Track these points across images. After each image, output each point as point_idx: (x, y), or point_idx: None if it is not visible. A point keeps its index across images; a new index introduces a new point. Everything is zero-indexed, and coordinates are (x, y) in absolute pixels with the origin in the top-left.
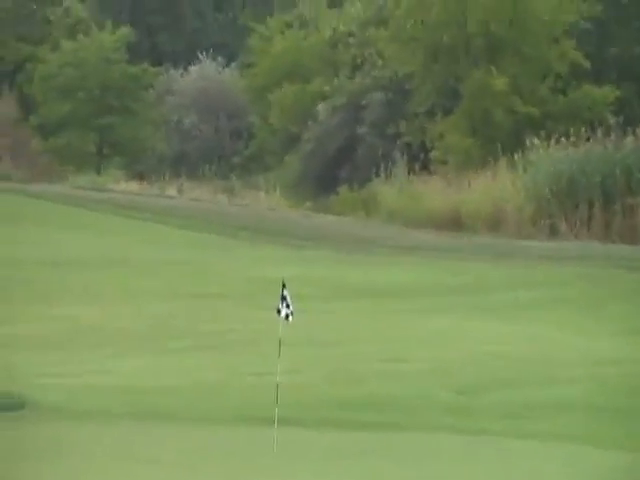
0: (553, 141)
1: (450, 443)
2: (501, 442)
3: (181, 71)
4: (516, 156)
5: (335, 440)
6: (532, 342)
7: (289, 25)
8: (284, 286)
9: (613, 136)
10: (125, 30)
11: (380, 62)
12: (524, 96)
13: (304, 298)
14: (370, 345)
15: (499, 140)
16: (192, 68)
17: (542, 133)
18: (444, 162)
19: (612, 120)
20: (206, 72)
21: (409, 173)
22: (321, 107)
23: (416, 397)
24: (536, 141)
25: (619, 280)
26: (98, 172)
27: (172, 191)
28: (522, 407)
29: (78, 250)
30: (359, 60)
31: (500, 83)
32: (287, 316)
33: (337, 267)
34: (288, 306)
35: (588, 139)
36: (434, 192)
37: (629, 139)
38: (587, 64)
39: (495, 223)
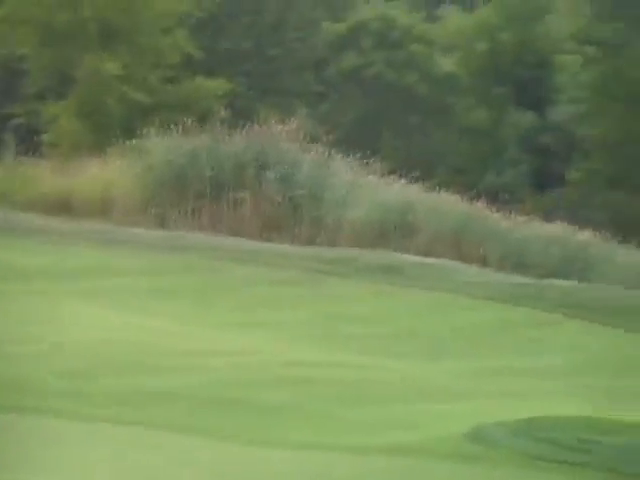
0: (164, 130)
1: (58, 427)
2: (108, 428)
3: None
4: (128, 144)
5: None
6: (142, 331)
7: None
8: None
9: (225, 129)
10: None
11: None
12: (136, 84)
13: None
14: None
15: (112, 127)
16: None
17: (155, 122)
18: (56, 146)
19: (224, 113)
20: None
21: (20, 155)
22: None
23: (25, 379)
24: (148, 130)
25: (224, 272)
26: None
27: None
28: (130, 394)
29: None
30: None
31: (111, 69)
32: None
33: None
34: None
35: (201, 131)
36: (45, 175)
37: (241, 133)
38: (200, 55)
39: (105, 209)
